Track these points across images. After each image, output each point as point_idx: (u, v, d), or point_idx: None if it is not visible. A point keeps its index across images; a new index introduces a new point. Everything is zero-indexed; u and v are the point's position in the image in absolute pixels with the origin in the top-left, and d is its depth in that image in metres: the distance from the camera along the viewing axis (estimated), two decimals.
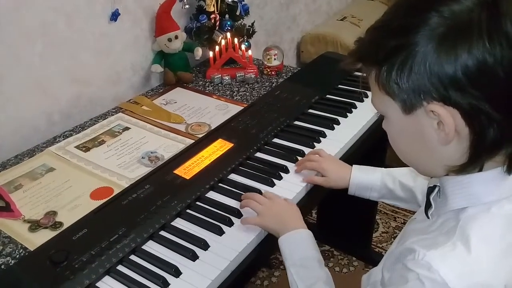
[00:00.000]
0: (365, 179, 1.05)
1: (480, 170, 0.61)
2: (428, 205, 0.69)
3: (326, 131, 1.24)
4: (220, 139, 1.19)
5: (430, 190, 0.70)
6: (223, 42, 1.55)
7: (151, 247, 0.91)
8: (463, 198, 0.63)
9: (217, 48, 1.55)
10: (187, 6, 1.54)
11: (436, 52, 0.55)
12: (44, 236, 0.94)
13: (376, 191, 1.05)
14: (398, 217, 2.09)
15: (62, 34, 1.28)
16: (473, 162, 0.60)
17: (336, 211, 1.87)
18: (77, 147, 1.24)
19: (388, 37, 0.59)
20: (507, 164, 0.60)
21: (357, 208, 1.72)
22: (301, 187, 1.05)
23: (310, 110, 1.35)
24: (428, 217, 0.69)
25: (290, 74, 1.58)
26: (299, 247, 0.88)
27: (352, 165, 1.07)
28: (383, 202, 2.11)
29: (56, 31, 1.26)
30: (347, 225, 1.84)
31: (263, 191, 1.02)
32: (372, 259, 1.84)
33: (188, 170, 1.08)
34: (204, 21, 1.56)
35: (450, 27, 0.55)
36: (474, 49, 0.54)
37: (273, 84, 1.52)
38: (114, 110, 1.42)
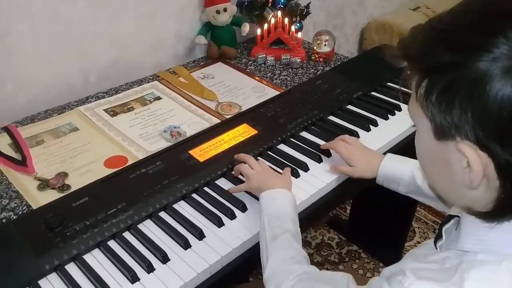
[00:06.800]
0: (395, 171, 0.98)
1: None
2: (439, 236, 0.61)
3: (360, 131, 1.15)
4: (245, 124, 1.13)
5: (446, 220, 0.61)
6: (272, 20, 1.48)
7: (147, 226, 0.88)
8: (475, 242, 0.54)
9: (265, 26, 1.48)
10: None
11: (488, 88, 0.44)
12: (49, 196, 0.94)
13: (404, 186, 0.98)
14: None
15: None
16: (496, 216, 0.51)
17: (371, 210, 1.77)
18: (106, 110, 1.23)
19: (443, 47, 0.48)
20: None
21: (394, 210, 1.62)
22: (316, 189, 0.98)
23: (349, 106, 1.25)
24: (437, 248, 0.60)
25: (339, 63, 1.48)
26: (278, 202, 0.86)
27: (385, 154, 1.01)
28: (425, 211, 2.02)
29: None
30: (380, 227, 1.74)
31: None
32: None
33: (204, 152, 1.04)
34: None
35: None
36: None
37: (318, 72, 1.43)
38: (151, 77, 1.40)
